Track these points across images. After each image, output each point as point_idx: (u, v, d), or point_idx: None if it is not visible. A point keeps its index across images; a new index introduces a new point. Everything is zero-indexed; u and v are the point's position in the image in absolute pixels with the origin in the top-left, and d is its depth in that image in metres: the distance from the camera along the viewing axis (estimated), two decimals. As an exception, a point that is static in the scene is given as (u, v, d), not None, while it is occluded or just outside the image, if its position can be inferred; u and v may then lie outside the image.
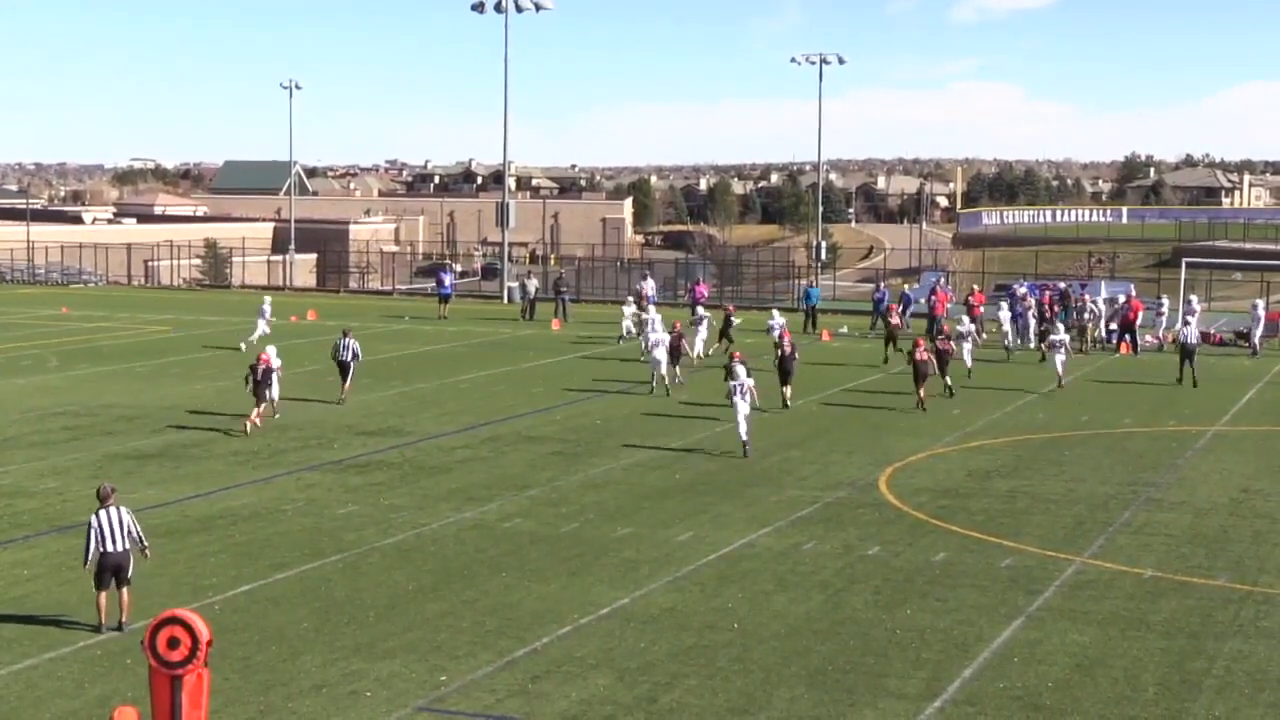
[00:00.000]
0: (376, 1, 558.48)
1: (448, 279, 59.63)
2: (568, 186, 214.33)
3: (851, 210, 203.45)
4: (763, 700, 14.67)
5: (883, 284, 55.81)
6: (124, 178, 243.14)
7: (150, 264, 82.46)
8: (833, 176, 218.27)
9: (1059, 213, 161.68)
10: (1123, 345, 46.25)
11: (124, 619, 16.62)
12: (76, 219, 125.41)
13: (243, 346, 43.52)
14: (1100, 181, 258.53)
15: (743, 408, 27.74)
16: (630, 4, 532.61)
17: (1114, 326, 47.80)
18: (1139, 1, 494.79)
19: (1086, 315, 47.89)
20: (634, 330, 46.72)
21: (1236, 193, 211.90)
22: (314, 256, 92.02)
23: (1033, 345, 45.76)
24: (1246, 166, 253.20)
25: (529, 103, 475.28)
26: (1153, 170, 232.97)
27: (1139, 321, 46.79)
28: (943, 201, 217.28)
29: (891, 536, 21.59)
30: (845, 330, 51.57)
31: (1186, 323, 41.21)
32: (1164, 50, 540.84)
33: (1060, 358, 37.48)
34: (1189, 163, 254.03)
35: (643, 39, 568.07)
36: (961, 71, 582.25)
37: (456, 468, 26.66)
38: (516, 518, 22.65)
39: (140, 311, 58.37)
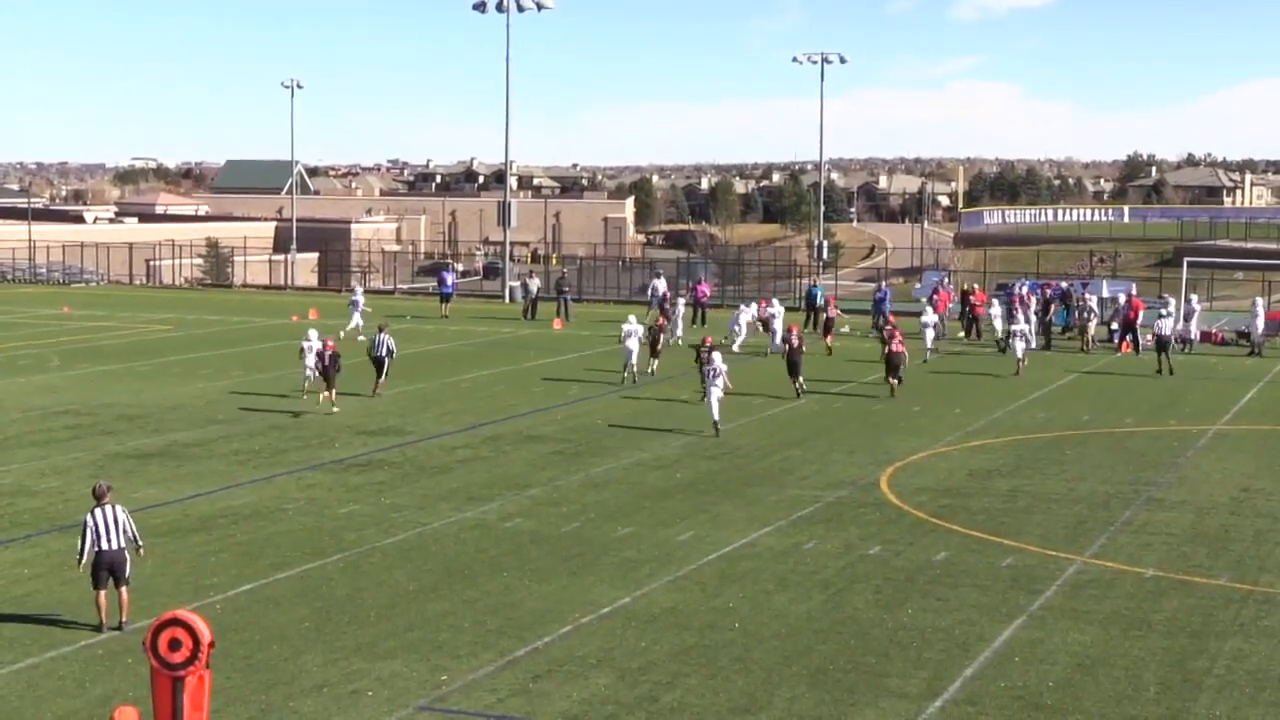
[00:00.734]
0: (378, 1, 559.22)
1: (449, 278, 59.68)
2: (569, 186, 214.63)
3: (853, 210, 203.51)
4: (764, 700, 14.67)
5: (884, 283, 55.79)
6: (125, 177, 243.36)
7: (152, 263, 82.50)
8: (834, 176, 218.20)
9: (1060, 212, 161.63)
10: (1124, 344, 46.23)
11: (124, 619, 16.62)
12: (78, 218, 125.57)
13: (341, 335, 44.75)
14: (1102, 181, 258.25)
15: (715, 391, 30.12)
16: (631, 4, 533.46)
17: (1115, 326, 47.84)
18: None
19: (1087, 314, 47.89)
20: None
21: (1238, 192, 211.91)
22: (315, 256, 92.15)
23: (1035, 345, 45.72)
24: (1248, 166, 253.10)
25: (531, 102, 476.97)
26: (1154, 169, 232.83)
27: (1140, 320, 46.77)
28: (944, 201, 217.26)
29: (892, 536, 21.59)
30: (847, 330, 51.53)
31: (1161, 316, 43.00)
32: (1165, 49, 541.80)
33: (1020, 345, 40.29)
34: (1190, 162, 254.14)
35: (644, 39, 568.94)
36: (962, 70, 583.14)
37: (457, 467, 26.67)
38: (517, 517, 22.66)
39: (141, 311, 58.40)
